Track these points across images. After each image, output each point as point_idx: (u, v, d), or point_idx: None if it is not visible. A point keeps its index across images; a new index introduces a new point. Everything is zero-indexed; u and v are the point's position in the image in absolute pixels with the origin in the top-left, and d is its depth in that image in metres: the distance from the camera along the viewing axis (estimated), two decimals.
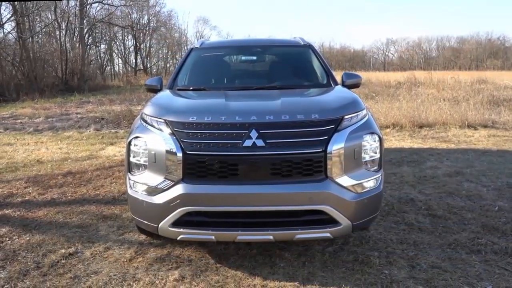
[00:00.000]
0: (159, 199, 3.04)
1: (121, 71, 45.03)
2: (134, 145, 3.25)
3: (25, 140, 9.41)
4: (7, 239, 3.94)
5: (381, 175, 3.24)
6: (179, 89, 4.23)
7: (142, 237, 3.85)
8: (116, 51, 44.63)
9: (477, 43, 64.85)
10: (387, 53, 75.01)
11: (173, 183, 3.00)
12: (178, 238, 3.07)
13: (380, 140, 3.25)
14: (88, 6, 31.52)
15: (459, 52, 65.48)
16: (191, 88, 4.27)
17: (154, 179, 3.08)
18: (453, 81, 17.82)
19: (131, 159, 3.28)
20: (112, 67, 44.24)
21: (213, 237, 3.01)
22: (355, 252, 3.50)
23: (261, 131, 2.93)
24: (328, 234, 3.01)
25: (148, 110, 3.39)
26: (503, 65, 55.33)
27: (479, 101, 11.91)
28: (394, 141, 8.34)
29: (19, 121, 12.37)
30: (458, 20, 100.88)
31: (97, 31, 35.92)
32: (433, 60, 65.89)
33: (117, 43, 43.91)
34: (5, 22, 24.07)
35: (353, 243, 3.66)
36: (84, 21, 30.57)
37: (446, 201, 4.67)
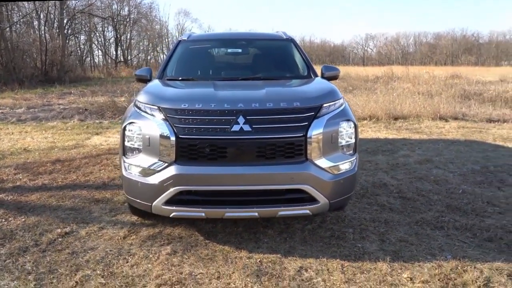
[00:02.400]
0: (153, 179, 3.30)
1: (101, 63, 44.42)
2: (129, 130, 3.50)
3: (9, 129, 9.45)
4: (3, 220, 4.13)
5: (355, 159, 3.58)
6: (168, 79, 4.48)
7: (134, 218, 4.10)
8: (96, 43, 43.98)
9: (452, 39, 66.40)
10: (366, 48, 76.11)
11: (166, 164, 3.26)
12: (170, 216, 3.34)
13: (355, 126, 3.58)
14: None
15: (436, 47, 66.91)
16: (180, 78, 4.52)
17: (149, 161, 3.34)
18: (428, 76, 18.41)
19: (126, 143, 3.52)
20: (92, 58, 43.61)
21: (203, 214, 3.30)
22: (332, 229, 3.84)
23: (247, 117, 3.22)
24: (308, 211, 3.34)
25: (141, 97, 3.63)
26: (477, 60, 57.05)
27: (451, 95, 12.49)
28: (371, 132, 8.75)
29: (0, 111, 12.30)
30: (435, 17, 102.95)
31: (76, 22, 35.34)
32: (410, 56, 67.20)
33: (97, 34, 43.27)
34: None
35: (330, 222, 4.00)
36: (64, 12, 30.08)
37: (416, 185, 5.07)
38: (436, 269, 3.12)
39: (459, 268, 3.12)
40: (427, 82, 16.60)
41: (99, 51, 45.34)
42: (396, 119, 10.16)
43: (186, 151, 3.25)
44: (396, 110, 10.42)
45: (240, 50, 5.43)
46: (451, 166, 5.92)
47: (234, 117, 3.22)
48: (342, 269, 3.15)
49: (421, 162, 6.14)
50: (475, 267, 3.12)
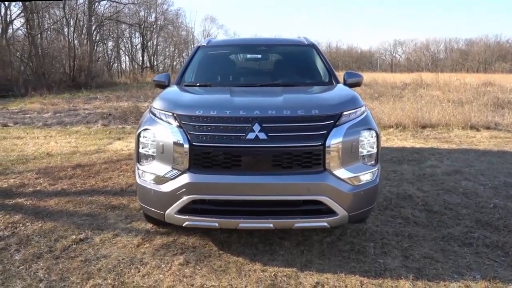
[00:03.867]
0: (166, 187, 3.21)
1: (127, 69, 45.33)
2: (144, 137, 3.44)
3: (34, 134, 9.64)
4: (21, 225, 4.14)
5: (377, 169, 3.40)
6: (186, 85, 4.42)
7: (149, 225, 4.04)
8: (123, 49, 44.99)
9: (485, 45, 64.51)
10: (394, 54, 74.95)
11: (179, 172, 3.18)
12: (183, 225, 3.25)
13: (377, 136, 3.41)
14: (96, 4, 31.84)
15: (467, 54, 65.18)
16: (197, 84, 4.46)
17: (162, 168, 3.26)
18: (459, 83, 17.85)
19: (140, 150, 3.46)
20: (119, 64, 44.59)
21: (216, 224, 3.19)
22: (351, 242, 3.66)
23: (263, 125, 3.10)
24: (325, 224, 3.18)
25: (157, 104, 3.57)
26: None
27: (483, 103, 12.02)
28: (397, 141, 8.48)
29: (28, 115, 12.63)
30: (467, 23, 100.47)
31: (104, 28, 36.22)
32: (440, 62, 65.64)
33: (124, 40, 44.25)
34: (15, 19, 24.47)
35: (350, 234, 3.82)
36: (92, 19, 30.88)
37: (443, 197, 4.81)
38: None
39: None
40: (458, 89, 16.08)
41: (126, 57, 46.40)
42: (424, 127, 9.82)
43: (200, 159, 3.16)
44: (424, 118, 10.09)
45: (259, 56, 5.33)
46: (482, 178, 5.62)
47: (250, 125, 3.11)
48: (361, 286, 2.98)
49: (449, 173, 5.86)
50: None
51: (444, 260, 3.34)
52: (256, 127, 3.09)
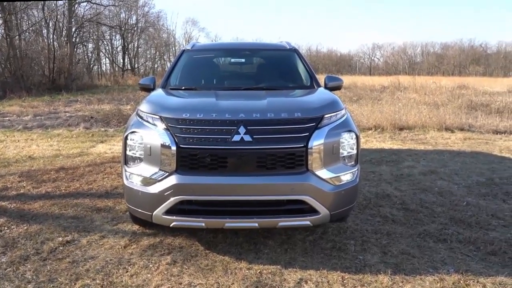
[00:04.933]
0: (154, 188, 3.30)
1: (108, 71, 44.80)
2: (131, 140, 3.51)
3: (15, 137, 9.53)
4: (6, 228, 4.14)
5: (357, 170, 3.56)
6: (171, 89, 4.50)
7: (136, 227, 4.10)
8: (104, 51, 44.44)
9: (460, 49, 66.14)
10: (373, 58, 76.05)
11: (167, 174, 3.27)
12: (171, 225, 3.34)
13: (357, 137, 3.57)
14: (76, 5, 31.41)
15: (443, 58, 66.68)
16: (183, 87, 4.55)
17: (149, 170, 3.35)
18: (435, 86, 18.35)
19: (128, 152, 3.53)
20: (99, 66, 44.03)
21: (203, 224, 3.29)
22: (333, 240, 3.81)
23: (248, 128, 3.22)
24: (308, 222, 3.32)
25: (144, 107, 3.64)
26: (485, 71, 56.64)
27: (458, 106, 12.42)
28: (375, 142, 8.71)
29: (7, 118, 12.44)
30: (443, 27, 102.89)
31: (84, 30, 35.75)
32: (417, 65, 66.91)
33: (105, 42, 43.73)
34: None
35: (332, 233, 3.97)
36: (72, 20, 30.47)
37: (419, 196, 5.02)
38: (438, 282, 3.08)
39: (461, 282, 3.08)
40: (434, 92, 16.53)
41: (107, 59, 45.82)
42: (401, 129, 10.11)
43: (187, 160, 3.25)
44: (401, 120, 10.39)
45: (243, 60, 5.45)
46: (456, 177, 5.87)
47: (235, 127, 3.22)
48: (343, 281, 3.12)
49: (425, 173, 6.09)
50: (478, 282, 3.08)
51: (420, 255, 3.51)
52: (242, 130, 3.21)
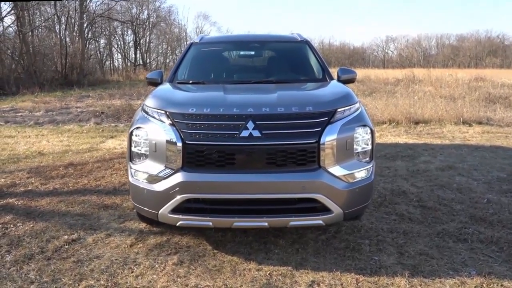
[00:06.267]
0: (160, 186, 3.17)
1: (120, 66, 44.96)
2: (136, 135, 3.38)
3: (26, 132, 9.53)
4: (12, 225, 4.08)
5: (372, 166, 3.38)
6: (179, 83, 4.37)
7: (142, 225, 3.99)
8: (116, 46, 44.57)
9: (476, 41, 64.88)
10: (386, 51, 75.09)
11: (173, 171, 3.13)
12: (177, 224, 3.21)
13: (372, 132, 3.38)
14: (88, 1, 31.52)
15: (459, 50, 65.50)
16: (190, 81, 4.41)
17: (155, 167, 3.22)
18: (451, 78, 17.93)
19: (133, 148, 3.41)
20: (111, 62, 44.18)
21: (210, 223, 3.15)
22: (347, 240, 3.64)
23: (257, 122, 3.06)
24: (321, 222, 3.15)
25: (149, 102, 3.51)
26: (502, 63, 55.48)
27: (475, 99, 12.07)
28: (390, 137, 8.48)
29: (19, 114, 12.48)
30: (458, 18, 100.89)
31: (96, 25, 35.87)
32: (432, 58, 65.88)
33: (117, 38, 43.86)
34: (5, 16, 24.08)
35: (345, 232, 3.80)
36: (84, 16, 30.57)
37: (437, 193, 4.82)
38: (459, 286, 2.91)
39: (484, 285, 2.90)
40: (450, 85, 16.14)
41: (119, 54, 45.98)
42: (417, 123, 9.85)
43: (193, 157, 3.12)
44: (417, 114, 10.11)
45: (253, 53, 5.29)
46: (475, 173, 5.63)
47: (243, 122, 3.07)
48: (357, 284, 2.96)
49: (443, 168, 5.86)
50: (502, 285, 2.90)
51: (439, 256, 3.33)
52: (250, 125, 3.06)
